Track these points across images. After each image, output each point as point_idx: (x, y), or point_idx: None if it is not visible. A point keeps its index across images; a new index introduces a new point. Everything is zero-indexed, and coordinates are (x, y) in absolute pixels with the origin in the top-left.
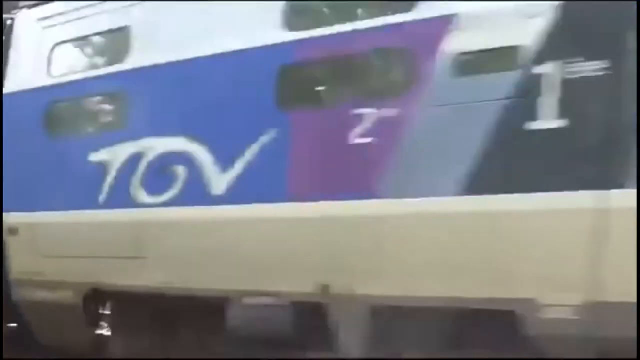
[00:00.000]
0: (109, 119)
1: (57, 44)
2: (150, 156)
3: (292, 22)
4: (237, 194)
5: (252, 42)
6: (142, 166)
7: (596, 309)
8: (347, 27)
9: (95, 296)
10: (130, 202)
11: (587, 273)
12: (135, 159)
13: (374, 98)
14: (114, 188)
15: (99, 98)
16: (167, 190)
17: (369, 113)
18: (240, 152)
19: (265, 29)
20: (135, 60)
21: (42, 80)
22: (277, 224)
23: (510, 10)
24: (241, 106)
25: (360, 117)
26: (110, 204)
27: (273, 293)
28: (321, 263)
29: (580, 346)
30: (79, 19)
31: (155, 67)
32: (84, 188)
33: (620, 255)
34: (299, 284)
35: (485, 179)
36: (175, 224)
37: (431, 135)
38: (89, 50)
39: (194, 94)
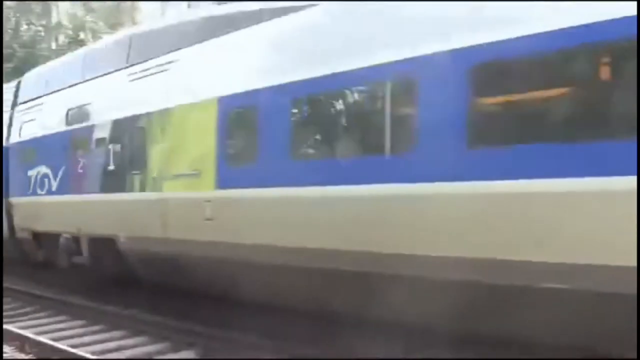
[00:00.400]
0: (33, 158)
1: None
2: (37, 175)
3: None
4: (57, 191)
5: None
6: (36, 177)
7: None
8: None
9: (40, 235)
10: (39, 192)
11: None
12: (33, 175)
13: (81, 154)
14: (32, 187)
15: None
16: (43, 189)
17: (80, 159)
18: (58, 173)
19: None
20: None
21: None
22: (68, 204)
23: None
24: (59, 154)
25: (80, 161)
26: (38, 193)
27: (69, 232)
28: (78, 220)
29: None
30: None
31: (41, 137)
32: (27, 188)
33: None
34: (73, 228)
35: (104, 186)
36: (46, 203)
37: (93, 171)
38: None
39: (49, 151)
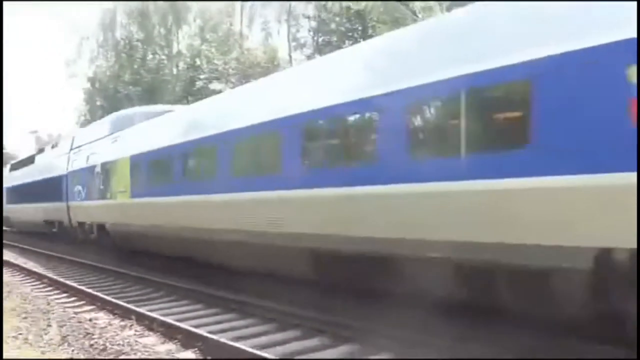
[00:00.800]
0: (76, 180)
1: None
2: (78, 190)
3: None
4: (84, 199)
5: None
6: (78, 191)
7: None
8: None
9: (80, 223)
10: (78, 199)
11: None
12: (77, 190)
13: (91, 179)
14: (76, 196)
15: (76, 175)
16: (80, 197)
17: (91, 181)
18: (84, 188)
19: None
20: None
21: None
22: (87, 206)
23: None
24: (84, 179)
25: (91, 182)
26: (78, 200)
27: (88, 221)
28: (91, 214)
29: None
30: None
31: (76, 170)
32: (74, 197)
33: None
34: (89, 219)
35: (99, 196)
36: (82, 206)
37: (95, 188)
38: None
39: (83, 177)
